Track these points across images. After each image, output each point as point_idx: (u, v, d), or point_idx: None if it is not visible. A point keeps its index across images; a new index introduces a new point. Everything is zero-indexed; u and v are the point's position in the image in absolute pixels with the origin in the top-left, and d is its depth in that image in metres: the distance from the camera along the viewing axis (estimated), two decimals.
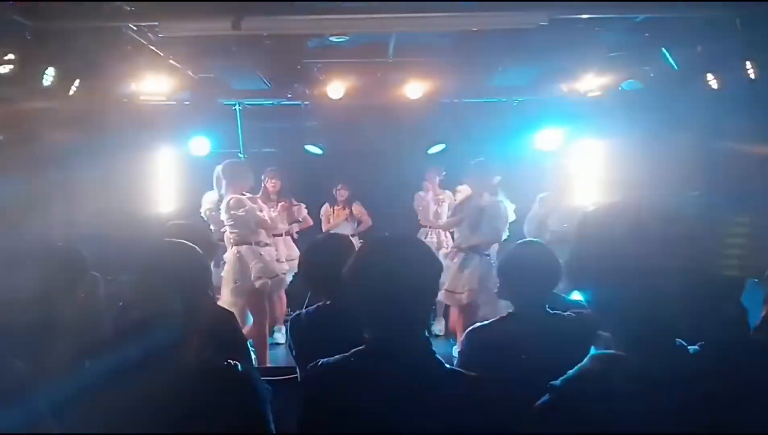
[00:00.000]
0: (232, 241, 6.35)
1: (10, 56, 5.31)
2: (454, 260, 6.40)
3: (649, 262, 1.24)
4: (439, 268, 1.98)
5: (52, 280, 2.91)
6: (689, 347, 1.32)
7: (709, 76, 5.94)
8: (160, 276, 1.98)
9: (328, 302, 3.06)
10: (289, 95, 7.83)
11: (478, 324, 3.16)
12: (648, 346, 1.30)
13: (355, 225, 8.31)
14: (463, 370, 1.92)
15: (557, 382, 1.39)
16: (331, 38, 6.29)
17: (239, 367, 1.95)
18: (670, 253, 1.23)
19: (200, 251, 2.14)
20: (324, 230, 7.98)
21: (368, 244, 2.18)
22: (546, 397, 1.40)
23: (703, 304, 1.30)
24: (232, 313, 3.47)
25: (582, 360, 2.98)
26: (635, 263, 1.25)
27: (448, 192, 7.91)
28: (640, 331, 1.30)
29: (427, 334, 1.89)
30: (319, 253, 3.13)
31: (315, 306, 3.11)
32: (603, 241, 1.30)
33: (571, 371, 1.39)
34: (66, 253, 3.24)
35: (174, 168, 8.40)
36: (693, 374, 1.26)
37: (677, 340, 1.31)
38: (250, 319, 6.39)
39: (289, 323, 3.20)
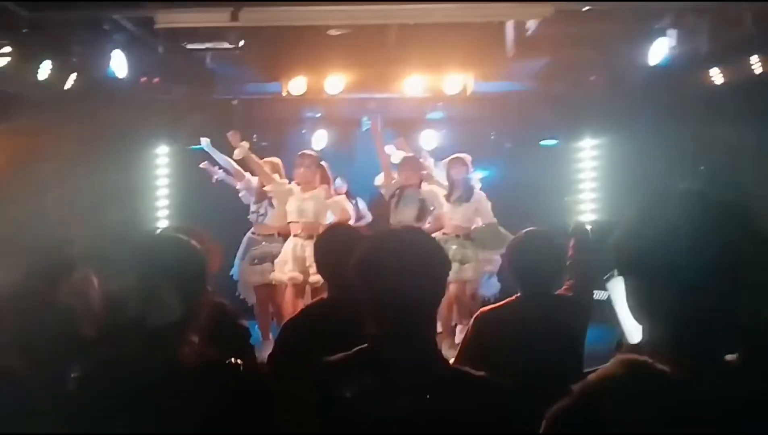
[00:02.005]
0: None
1: (6, 49, 5.25)
2: None
3: (707, 258, 1.17)
4: (447, 266, 1.93)
5: (33, 273, 2.78)
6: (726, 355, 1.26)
7: (714, 71, 5.89)
8: (155, 271, 1.91)
9: (327, 298, 2.93)
10: (288, 92, 7.76)
11: (487, 307, 3.30)
12: (681, 350, 1.22)
13: (354, 220, 8.20)
14: (470, 370, 1.86)
15: (576, 386, 1.31)
16: (329, 32, 6.24)
17: (241, 366, 1.90)
18: (732, 251, 1.16)
19: (197, 245, 2.07)
20: None
21: (374, 238, 2.10)
22: (563, 401, 1.32)
23: (751, 307, 1.21)
24: (233, 308, 3.36)
25: (579, 338, 3.01)
26: (693, 257, 1.18)
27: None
28: (678, 331, 1.23)
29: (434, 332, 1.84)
30: (330, 243, 2.96)
31: (314, 301, 3.02)
32: (666, 225, 1.22)
33: (591, 375, 1.31)
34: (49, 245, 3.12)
35: (171, 165, 8.37)
36: (727, 384, 1.19)
37: (712, 347, 1.24)
38: None
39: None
